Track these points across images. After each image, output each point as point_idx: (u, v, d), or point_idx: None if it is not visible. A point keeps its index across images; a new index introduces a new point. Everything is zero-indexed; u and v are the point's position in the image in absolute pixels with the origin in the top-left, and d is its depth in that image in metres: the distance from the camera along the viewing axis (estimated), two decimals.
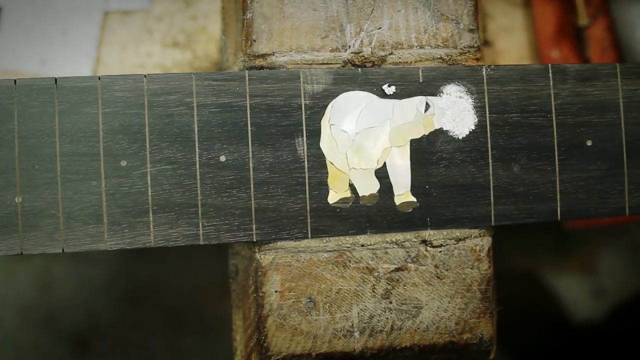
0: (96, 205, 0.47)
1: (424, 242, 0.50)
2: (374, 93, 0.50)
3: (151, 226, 0.47)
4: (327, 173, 0.49)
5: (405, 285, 0.50)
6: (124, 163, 0.47)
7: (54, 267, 1.09)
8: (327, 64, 0.50)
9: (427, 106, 0.50)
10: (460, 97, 0.51)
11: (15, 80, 0.46)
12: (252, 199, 0.48)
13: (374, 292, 0.50)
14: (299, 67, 0.50)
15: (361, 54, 0.50)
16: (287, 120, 0.49)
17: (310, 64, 0.50)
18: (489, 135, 0.51)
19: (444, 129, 0.50)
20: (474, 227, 0.51)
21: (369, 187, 0.50)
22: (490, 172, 0.51)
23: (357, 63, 0.50)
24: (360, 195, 0.50)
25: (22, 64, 0.69)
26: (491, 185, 0.51)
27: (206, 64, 0.70)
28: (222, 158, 0.48)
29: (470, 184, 0.50)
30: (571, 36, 0.75)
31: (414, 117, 0.50)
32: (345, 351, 0.50)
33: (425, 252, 0.50)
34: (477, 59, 0.52)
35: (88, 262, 1.09)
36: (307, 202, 0.49)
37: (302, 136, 0.49)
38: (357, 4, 0.50)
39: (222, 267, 0.62)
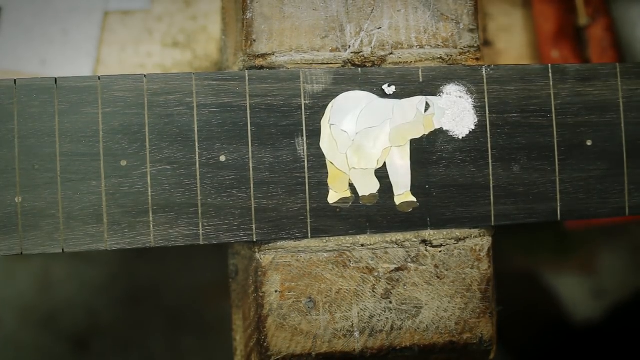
0: (96, 205, 0.47)
1: (424, 242, 0.50)
2: (374, 93, 0.50)
3: (151, 226, 0.47)
4: (327, 173, 0.49)
5: (405, 285, 0.50)
6: (124, 163, 0.47)
7: (54, 267, 1.09)
8: (327, 64, 0.50)
9: (427, 106, 0.50)
10: (460, 97, 0.51)
11: (15, 80, 0.46)
12: (252, 199, 0.48)
13: (374, 292, 0.50)
14: (299, 67, 0.50)
15: (361, 54, 0.50)
16: (287, 120, 0.49)
17: (310, 64, 0.50)
18: (489, 135, 0.51)
19: (444, 128, 0.50)
20: (474, 227, 0.51)
21: (369, 187, 0.50)
22: (490, 172, 0.51)
23: (357, 63, 0.50)
24: (360, 195, 0.50)
25: (22, 64, 0.69)
26: (491, 185, 0.51)
27: (206, 64, 0.70)
28: (222, 158, 0.48)
29: (470, 184, 0.50)
30: (571, 36, 0.75)
31: (414, 117, 0.50)
32: (345, 351, 0.50)
33: (425, 252, 0.50)
34: (477, 59, 0.52)
35: (88, 262, 1.09)
36: (307, 202, 0.49)
37: (302, 136, 0.49)
38: (357, 4, 0.50)
39: (222, 267, 0.62)
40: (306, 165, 0.49)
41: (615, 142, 0.52)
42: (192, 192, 0.48)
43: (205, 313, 1.08)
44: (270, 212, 0.49)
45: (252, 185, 0.48)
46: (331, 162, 0.49)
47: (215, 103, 0.48)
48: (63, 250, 0.46)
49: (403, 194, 0.50)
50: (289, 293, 0.49)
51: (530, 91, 0.51)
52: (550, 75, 0.51)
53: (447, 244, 0.51)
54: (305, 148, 0.49)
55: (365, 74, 0.50)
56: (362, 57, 0.50)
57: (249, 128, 0.48)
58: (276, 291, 0.49)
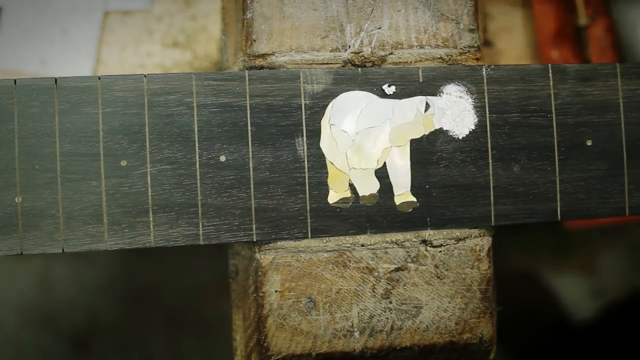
0: (96, 205, 0.47)
1: (424, 242, 0.50)
2: (374, 93, 0.50)
3: (151, 226, 0.47)
4: (327, 173, 0.49)
5: (405, 285, 0.50)
6: (124, 163, 0.47)
7: (54, 267, 1.09)
8: (327, 64, 0.50)
9: (427, 106, 0.50)
10: (460, 97, 0.51)
11: (15, 80, 0.46)
12: (252, 199, 0.48)
13: (374, 292, 0.50)
14: (299, 67, 0.50)
15: (361, 54, 0.50)
16: (287, 120, 0.49)
17: (310, 64, 0.50)
18: (489, 135, 0.51)
19: (444, 128, 0.50)
20: (474, 227, 0.51)
21: (369, 187, 0.50)
22: (490, 172, 0.51)
23: (357, 63, 0.50)
24: (360, 195, 0.50)
25: (22, 64, 0.69)
26: (491, 185, 0.51)
27: (206, 64, 0.70)
28: (222, 158, 0.48)
29: (470, 184, 0.50)
30: (571, 36, 0.75)
31: (414, 117, 0.50)
32: (345, 351, 0.50)
33: (425, 252, 0.50)
34: (477, 59, 0.52)
35: (88, 262, 1.09)
36: (307, 202, 0.49)
37: (302, 136, 0.49)
38: (357, 4, 0.50)
39: (222, 267, 0.62)
40: (306, 165, 0.49)
41: (615, 142, 0.52)
42: (192, 192, 0.48)
43: (205, 313, 1.08)
44: (270, 212, 0.49)
45: (252, 185, 0.48)
46: (331, 162, 0.49)
47: (215, 103, 0.48)
48: (63, 250, 0.46)
49: (403, 194, 0.50)
50: (289, 293, 0.49)
51: (530, 91, 0.51)
52: (550, 75, 0.51)
53: (447, 244, 0.51)
54: (305, 148, 0.49)
55: (365, 74, 0.50)
56: (362, 57, 0.50)
57: (249, 128, 0.48)
58: (276, 291, 0.49)
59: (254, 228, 0.48)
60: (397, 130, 0.50)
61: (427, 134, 0.50)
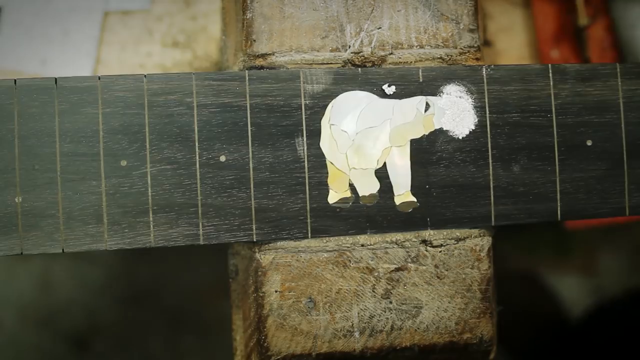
0: (96, 205, 0.47)
1: (424, 242, 0.50)
2: (374, 93, 0.50)
3: (151, 226, 0.47)
4: (327, 173, 0.49)
5: (405, 285, 0.50)
6: (124, 163, 0.47)
7: (54, 267, 1.09)
8: (327, 63, 0.50)
9: (427, 106, 0.50)
10: (460, 97, 0.51)
11: (15, 80, 0.46)
12: (252, 199, 0.48)
13: (374, 292, 0.50)
14: (299, 67, 0.50)
15: (361, 54, 0.50)
16: (287, 120, 0.49)
17: (310, 64, 0.50)
18: (489, 135, 0.51)
19: (444, 129, 0.50)
20: (474, 227, 0.51)
21: (369, 187, 0.50)
22: (490, 172, 0.51)
23: (357, 63, 0.50)
24: (360, 195, 0.50)
25: (22, 64, 0.69)
26: (491, 185, 0.51)
27: (206, 64, 0.70)
28: (222, 158, 0.48)
29: (470, 184, 0.50)
30: (571, 36, 0.75)
31: (414, 117, 0.50)
32: (345, 351, 0.50)
33: (425, 252, 0.50)
34: (477, 59, 0.52)
35: (88, 262, 1.09)
36: (307, 202, 0.49)
37: (302, 136, 0.49)
38: (357, 4, 0.50)
39: (222, 267, 0.62)
40: (306, 165, 0.49)
41: (615, 142, 0.52)
42: (192, 192, 0.48)
43: (205, 313, 1.08)
44: (270, 212, 0.49)
45: (252, 185, 0.48)
46: (331, 162, 0.49)
47: (215, 103, 0.48)
48: (63, 250, 0.46)
49: (403, 194, 0.50)
50: (289, 293, 0.49)
51: (530, 91, 0.51)
52: (550, 75, 0.51)
53: (447, 244, 0.51)
54: (305, 148, 0.49)
55: (365, 74, 0.50)
56: (362, 57, 0.50)
57: (249, 128, 0.48)
58: (276, 291, 0.49)
59: (254, 228, 0.48)
60: (397, 130, 0.50)
61: (427, 134, 0.50)
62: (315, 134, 0.49)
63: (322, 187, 0.49)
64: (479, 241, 0.51)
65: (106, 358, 1.07)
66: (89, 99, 0.47)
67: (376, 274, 0.50)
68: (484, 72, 0.51)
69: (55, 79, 0.47)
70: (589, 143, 0.52)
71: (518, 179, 0.51)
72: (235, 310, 0.57)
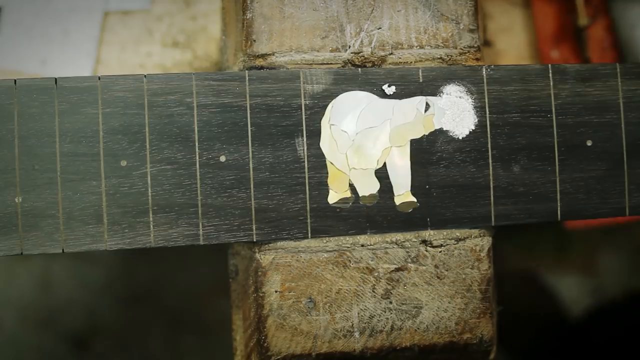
0: (96, 205, 0.47)
1: (424, 242, 0.50)
2: (374, 93, 0.50)
3: (151, 226, 0.47)
4: (327, 173, 0.49)
5: (405, 285, 0.50)
6: (124, 163, 0.47)
7: (54, 267, 1.09)
8: (327, 64, 0.50)
9: (427, 106, 0.50)
10: (460, 97, 0.51)
11: (15, 80, 0.46)
12: (252, 199, 0.48)
13: (374, 292, 0.50)
14: (299, 67, 0.50)
15: (361, 54, 0.50)
16: (287, 120, 0.49)
17: (310, 64, 0.50)
18: (489, 135, 0.51)
19: (444, 129, 0.50)
20: (473, 227, 0.51)
21: (369, 187, 0.50)
22: (490, 172, 0.51)
23: (357, 63, 0.50)
24: (360, 195, 0.50)
25: (22, 64, 0.69)
26: (491, 185, 0.51)
27: (206, 64, 0.70)
28: (222, 158, 0.48)
29: (470, 184, 0.50)
30: (571, 36, 0.75)
31: (414, 117, 0.50)
32: (345, 351, 0.50)
33: (425, 252, 0.50)
34: (477, 59, 0.52)
35: (88, 262, 1.09)
36: (307, 202, 0.49)
37: (302, 136, 0.49)
38: (357, 4, 0.50)
39: (222, 267, 0.62)
40: (306, 165, 0.49)
41: (615, 142, 0.52)
42: (192, 192, 0.48)
43: (205, 313, 1.08)
44: (270, 212, 0.49)
45: (252, 185, 0.48)
46: (331, 162, 0.49)
47: (215, 103, 0.48)
48: (63, 250, 0.46)
49: (403, 194, 0.50)
50: (289, 293, 0.49)
51: (530, 91, 0.51)
52: (550, 75, 0.51)
53: (447, 244, 0.51)
54: (305, 148, 0.49)
55: (365, 74, 0.50)
56: (362, 57, 0.50)
57: (249, 128, 0.48)
58: (276, 291, 0.49)
59: (254, 228, 0.48)
60: (397, 131, 0.50)
61: (427, 134, 0.50)
62: (315, 134, 0.49)
63: (322, 187, 0.49)
64: (479, 241, 0.51)
65: (106, 358, 1.07)
66: (89, 99, 0.47)
67: (376, 274, 0.50)
68: (484, 72, 0.51)
69: (55, 79, 0.47)
70: (589, 143, 0.52)
71: (518, 179, 0.51)
72: (235, 310, 0.57)
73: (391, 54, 0.51)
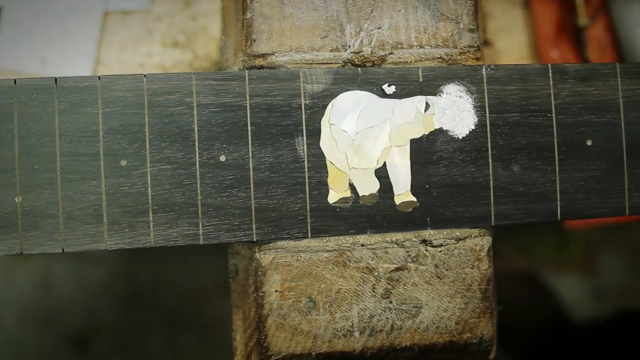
0: (96, 205, 0.47)
1: (424, 241, 0.50)
2: (374, 93, 0.50)
3: (151, 226, 0.47)
4: (327, 173, 0.49)
5: (405, 285, 0.50)
6: (124, 163, 0.47)
7: (54, 267, 1.09)
8: (327, 63, 0.50)
9: (427, 106, 0.50)
10: (460, 96, 0.51)
11: (15, 80, 0.46)
12: (252, 198, 0.48)
13: (374, 291, 0.50)
14: (299, 67, 0.50)
15: (361, 53, 0.50)
16: (287, 120, 0.49)
17: (310, 63, 0.50)
18: (489, 135, 0.51)
19: (444, 128, 0.50)
20: (473, 227, 0.51)
21: (369, 186, 0.50)
22: (490, 172, 0.51)
23: (357, 63, 0.50)
24: (360, 195, 0.50)
25: (22, 64, 0.69)
26: (491, 185, 0.51)
27: (206, 64, 0.70)
28: (222, 158, 0.48)
29: (470, 183, 0.50)
30: (571, 36, 0.75)
31: (413, 116, 0.50)
32: (345, 351, 0.50)
33: (425, 251, 0.50)
34: (477, 59, 0.52)
35: (88, 262, 1.09)
36: (307, 202, 0.49)
37: (302, 136, 0.49)
38: (357, 4, 0.50)
39: (222, 267, 0.62)
40: (306, 165, 0.49)
41: (615, 141, 0.52)
42: (192, 192, 0.48)
43: (205, 313, 1.08)
44: (270, 212, 0.49)
45: (252, 185, 0.48)
46: (331, 162, 0.49)
47: (215, 103, 0.48)
48: (63, 250, 0.46)
49: (403, 193, 0.50)
50: (289, 293, 0.49)
51: (530, 91, 0.51)
52: (550, 75, 0.51)
53: (447, 244, 0.51)
54: (305, 148, 0.49)
55: (365, 73, 0.50)
56: (362, 57, 0.50)
57: (249, 128, 0.48)
58: (276, 291, 0.49)
59: (254, 228, 0.48)
60: (397, 130, 0.50)
61: (427, 133, 0.50)
62: (315, 134, 0.49)
63: (322, 187, 0.49)
64: (479, 241, 0.51)
65: (106, 358, 1.07)
66: (89, 99, 0.47)
67: (376, 273, 0.50)
68: (483, 72, 0.51)
69: (55, 78, 0.47)
70: (589, 143, 0.52)
71: (518, 178, 0.51)
72: (235, 310, 0.57)
73: (391, 53, 0.51)
